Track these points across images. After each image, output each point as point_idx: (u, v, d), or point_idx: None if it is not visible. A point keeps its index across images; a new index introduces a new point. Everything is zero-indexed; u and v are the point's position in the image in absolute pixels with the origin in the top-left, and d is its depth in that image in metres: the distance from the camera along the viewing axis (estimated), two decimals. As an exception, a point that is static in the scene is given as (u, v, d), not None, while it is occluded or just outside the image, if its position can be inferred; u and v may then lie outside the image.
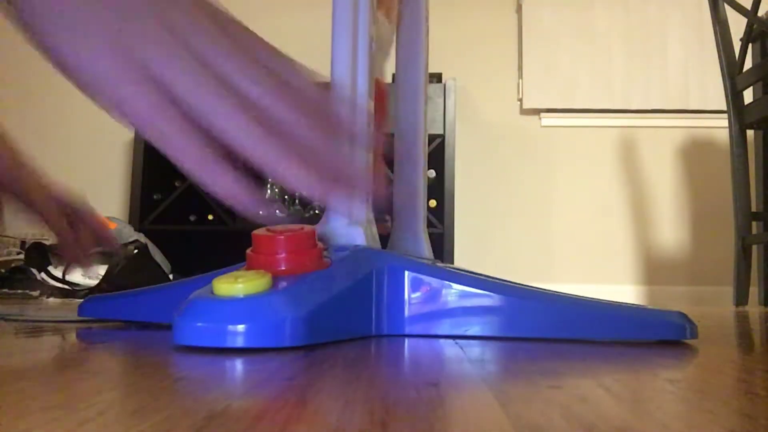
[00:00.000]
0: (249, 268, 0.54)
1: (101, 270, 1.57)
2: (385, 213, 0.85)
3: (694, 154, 2.77)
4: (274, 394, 0.30)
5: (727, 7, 1.94)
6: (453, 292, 0.61)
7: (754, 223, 1.98)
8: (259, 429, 0.23)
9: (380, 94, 0.84)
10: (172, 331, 0.48)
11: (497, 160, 2.77)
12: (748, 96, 1.96)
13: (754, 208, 1.98)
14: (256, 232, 0.56)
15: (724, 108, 1.97)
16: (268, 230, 0.56)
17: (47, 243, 1.74)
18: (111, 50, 0.31)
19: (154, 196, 2.47)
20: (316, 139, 0.33)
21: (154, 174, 2.46)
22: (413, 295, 0.62)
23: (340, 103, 0.38)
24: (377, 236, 0.73)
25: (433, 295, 0.61)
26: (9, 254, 1.81)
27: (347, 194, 0.35)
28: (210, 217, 2.49)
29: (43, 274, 1.56)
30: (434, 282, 0.61)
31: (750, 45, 1.99)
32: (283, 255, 0.54)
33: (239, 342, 0.46)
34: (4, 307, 1.01)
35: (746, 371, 0.42)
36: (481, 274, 0.67)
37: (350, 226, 0.68)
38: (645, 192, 2.76)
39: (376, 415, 0.25)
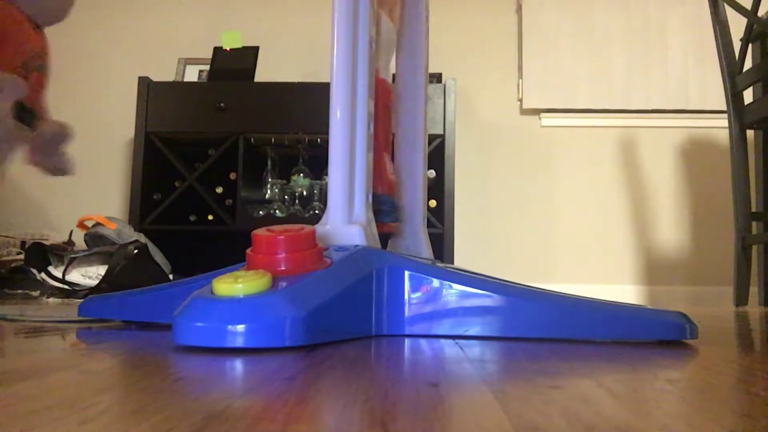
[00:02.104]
0: (249, 268, 0.54)
1: (101, 270, 1.57)
2: (395, 212, 0.86)
3: (694, 154, 2.77)
4: (274, 394, 0.30)
5: (727, 7, 1.94)
6: (453, 292, 0.61)
7: (754, 223, 1.98)
8: (259, 429, 0.23)
9: (384, 94, 0.84)
10: (172, 331, 0.48)
11: (497, 160, 2.77)
12: (748, 96, 1.95)
13: (754, 208, 1.97)
14: (256, 232, 0.56)
15: (724, 108, 1.97)
16: (268, 230, 0.56)
17: (47, 243, 1.74)
18: None
19: (154, 196, 2.47)
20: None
21: (154, 174, 2.46)
22: (413, 295, 0.62)
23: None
24: (377, 236, 0.73)
25: (433, 295, 0.61)
26: (9, 254, 1.81)
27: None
28: (210, 217, 2.49)
29: (43, 274, 1.56)
30: (434, 282, 0.61)
31: (750, 45, 1.99)
32: (283, 255, 0.54)
33: (239, 342, 0.46)
34: (4, 307, 1.01)
35: (746, 371, 0.42)
36: (481, 274, 0.67)
37: (350, 226, 0.68)
38: (645, 192, 2.76)
39: (376, 415, 0.25)
